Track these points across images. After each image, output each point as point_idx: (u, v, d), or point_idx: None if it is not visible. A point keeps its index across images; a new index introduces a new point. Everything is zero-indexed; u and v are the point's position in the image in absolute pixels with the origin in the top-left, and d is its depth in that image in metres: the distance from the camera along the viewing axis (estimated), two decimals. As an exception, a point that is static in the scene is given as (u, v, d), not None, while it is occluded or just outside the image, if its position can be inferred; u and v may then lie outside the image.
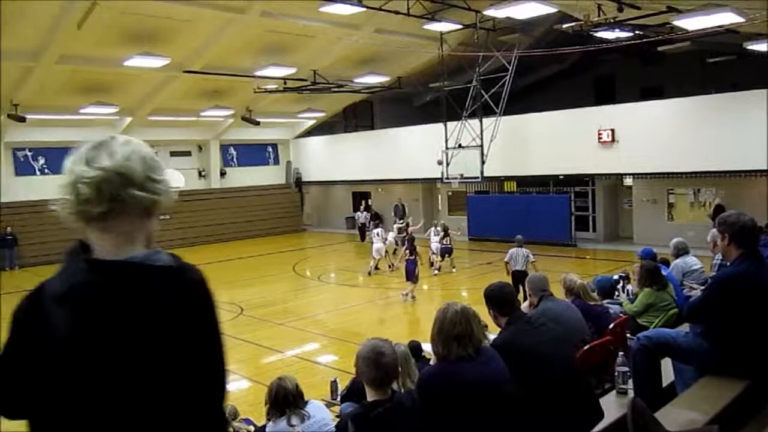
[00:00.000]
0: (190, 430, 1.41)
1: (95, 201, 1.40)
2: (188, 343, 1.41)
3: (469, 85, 21.66)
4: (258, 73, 20.72)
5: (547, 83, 26.67)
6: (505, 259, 13.10)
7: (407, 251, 14.91)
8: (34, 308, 1.41)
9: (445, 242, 17.88)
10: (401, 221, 18.10)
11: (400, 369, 3.85)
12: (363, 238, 23.89)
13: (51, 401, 1.37)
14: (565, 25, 16.45)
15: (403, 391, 3.96)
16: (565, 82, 26.60)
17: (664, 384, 4.18)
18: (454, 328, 3.11)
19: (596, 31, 16.18)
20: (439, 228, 18.41)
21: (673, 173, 18.60)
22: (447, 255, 18.15)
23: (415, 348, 6.20)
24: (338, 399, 6.01)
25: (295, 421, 4.28)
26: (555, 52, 19.29)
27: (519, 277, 11.34)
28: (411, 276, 14.59)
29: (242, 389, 9.14)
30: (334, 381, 6.49)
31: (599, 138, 19.47)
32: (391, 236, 20.09)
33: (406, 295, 14.60)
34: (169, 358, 1.38)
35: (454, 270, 18.10)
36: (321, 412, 4.52)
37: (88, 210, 1.41)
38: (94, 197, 1.40)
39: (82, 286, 1.38)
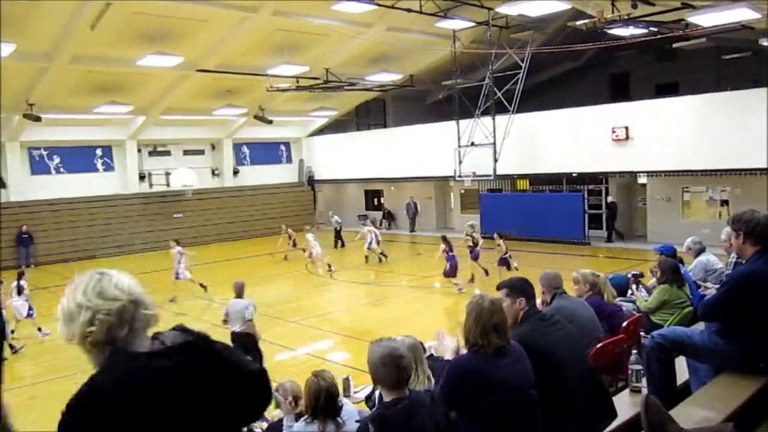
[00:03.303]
0: None
1: (119, 326, 1.71)
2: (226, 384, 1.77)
3: (481, 82, 21.60)
4: (270, 72, 20.78)
5: (561, 80, 26.55)
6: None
7: (446, 250, 15.52)
8: (103, 401, 1.63)
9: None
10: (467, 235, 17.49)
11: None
12: (337, 244, 23.77)
13: None
14: (578, 22, 16.37)
15: (417, 380, 3.95)
16: (578, 79, 26.47)
17: (679, 382, 4.14)
18: (491, 318, 3.11)
19: (610, 28, 16.08)
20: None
21: (687, 171, 18.45)
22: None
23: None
24: (351, 396, 6.00)
25: (330, 428, 3.99)
26: (568, 50, 19.18)
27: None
28: (453, 271, 15.41)
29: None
30: (347, 378, 6.48)
31: (613, 135, 19.34)
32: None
33: (461, 288, 15.16)
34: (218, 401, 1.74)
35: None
36: (353, 418, 4.24)
37: (113, 335, 1.70)
38: (118, 323, 1.70)
39: (164, 369, 1.67)
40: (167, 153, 27.30)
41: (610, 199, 21.70)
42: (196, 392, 1.68)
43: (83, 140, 24.78)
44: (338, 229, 23.98)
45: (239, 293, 9.42)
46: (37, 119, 20.92)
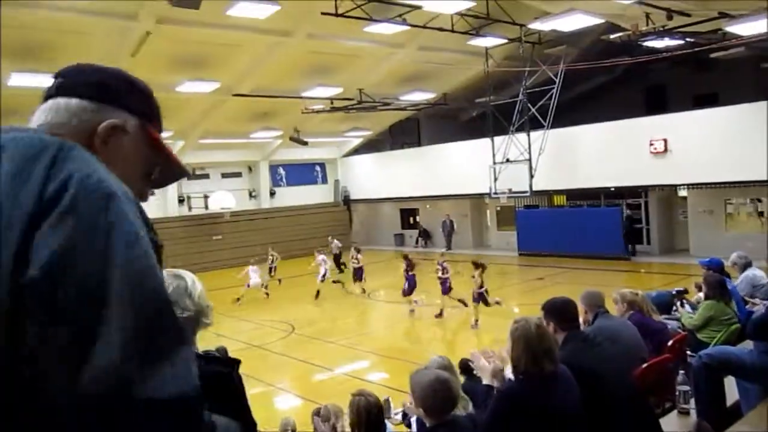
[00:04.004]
0: None
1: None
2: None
3: (515, 99, 21.52)
4: (305, 94, 21.03)
5: (596, 94, 26.29)
6: None
7: (406, 269, 15.76)
8: None
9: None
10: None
11: None
12: (339, 268, 22.75)
13: None
14: (612, 36, 16.23)
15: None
16: (614, 92, 26.17)
17: (729, 403, 4.03)
18: (541, 343, 3.04)
19: (645, 40, 15.90)
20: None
21: (729, 182, 18.04)
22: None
23: (465, 366, 6.13)
24: (392, 418, 5.97)
25: None
26: (603, 64, 19.01)
27: None
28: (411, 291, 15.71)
29: (295, 407, 9.20)
30: (387, 399, 6.45)
31: (651, 148, 19.05)
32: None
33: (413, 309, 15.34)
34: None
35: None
36: None
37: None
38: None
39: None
40: (206, 176, 27.78)
41: (626, 212, 21.45)
42: None
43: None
44: (338, 253, 23.31)
45: None
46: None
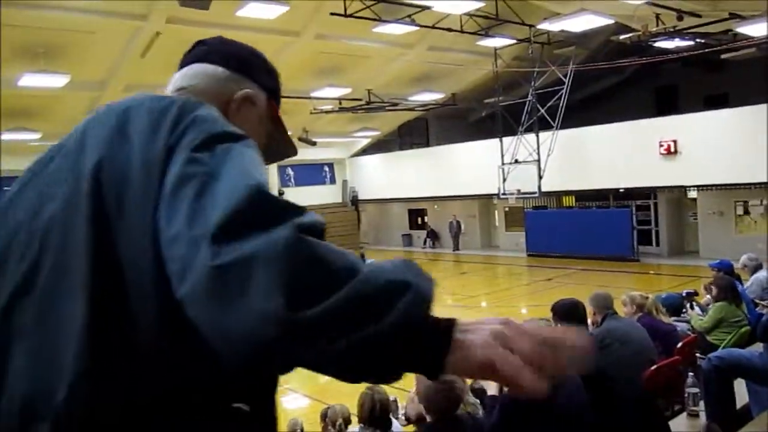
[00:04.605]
0: None
1: None
2: None
3: (524, 99, 21.48)
4: (314, 94, 21.06)
5: (606, 95, 26.20)
6: None
7: None
8: None
9: None
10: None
11: None
12: None
13: None
14: (622, 36, 16.17)
15: (464, 408, 3.95)
16: (624, 93, 26.09)
17: (738, 406, 4.01)
18: None
19: (655, 41, 15.84)
20: None
21: (739, 184, 17.94)
22: None
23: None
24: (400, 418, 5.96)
25: None
26: (613, 65, 18.95)
27: None
28: None
29: (302, 407, 9.22)
30: (394, 400, 6.46)
31: (661, 149, 18.97)
32: None
33: None
34: None
35: None
36: None
37: None
38: None
39: None
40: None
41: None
42: None
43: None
44: None
45: None
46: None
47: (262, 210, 0.81)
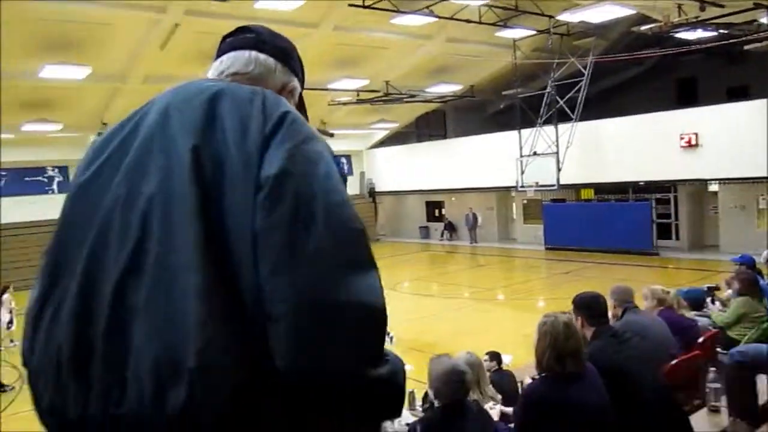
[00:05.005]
0: None
1: None
2: None
3: (543, 91, 21.33)
4: (331, 86, 21.06)
5: (625, 87, 25.96)
6: None
7: None
8: None
9: None
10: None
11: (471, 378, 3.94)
12: None
13: None
14: (643, 27, 15.98)
15: (481, 398, 3.98)
16: (644, 85, 25.82)
17: (761, 401, 3.96)
18: (567, 343, 2.99)
19: (677, 32, 15.64)
20: None
21: (762, 178, 17.67)
22: None
23: (494, 358, 6.12)
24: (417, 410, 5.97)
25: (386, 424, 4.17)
26: (634, 57, 18.73)
27: None
28: None
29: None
30: (411, 392, 6.46)
31: (681, 142, 18.75)
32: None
33: None
34: None
35: None
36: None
37: None
38: None
39: None
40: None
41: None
42: None
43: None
44: None
45: None
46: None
47: (359, 259, 1.01)
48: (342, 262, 0.98)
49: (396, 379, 1.06)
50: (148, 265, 1.00)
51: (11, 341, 13.63)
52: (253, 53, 1.33)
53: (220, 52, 1.36)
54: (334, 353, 0.95)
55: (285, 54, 1.39)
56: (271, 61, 1.34)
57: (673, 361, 4.54)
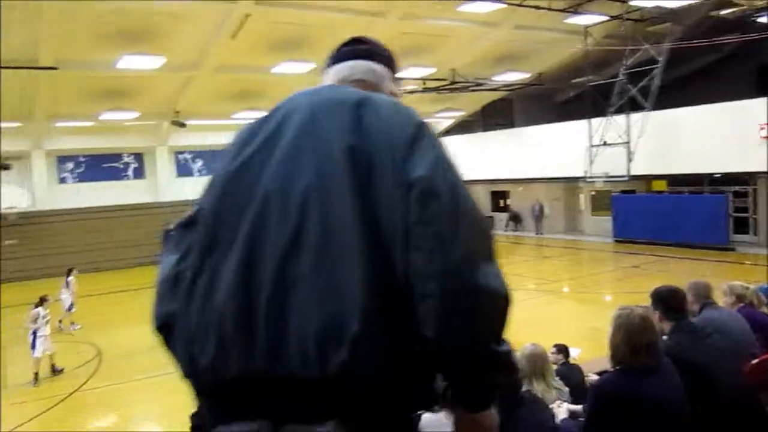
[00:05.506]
0: None
1: None
2: None
3: (615, 79, 20.72)
4: (398, 75, 21.03)
5: (702, 75, 24.91)
6: None
7: None
8: None
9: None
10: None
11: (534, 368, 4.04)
12: None
13: None
14: (723, 12, 15.31)
15: (543, 389, 3.97)
16: (722, 72, 24.71)
17: None
18: (643, 335, 2.92)
19: (759, 16, 14.91)
20: None
21: None
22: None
23: (561, 351, 6.04)
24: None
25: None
26: (711, 42, 17.96)
27: None
28: None
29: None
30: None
31: (762, 132, 17.88)
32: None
33: None
34: None
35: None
36: None
37: None
38: None
39: None
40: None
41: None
42: None
43: (223, 145, 26.28)
44: None
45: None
46: (183, 125, 22.52)
47: (490, 251, 1.20)
48: (480, 253, 1.17)
49: (511, 357, 1.26)
50: (309, 244, 1.16)
51: (72, 324, 14.10)
52: (371, 63, 1.52)
53: (337, 60, 1.54)
54: (471, 328, 1.13)
55: (391, 62, 1.57)
56: (384, 70, 1.54)
57: (755, 361, 4.37)
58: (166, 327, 1.31)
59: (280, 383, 1.14)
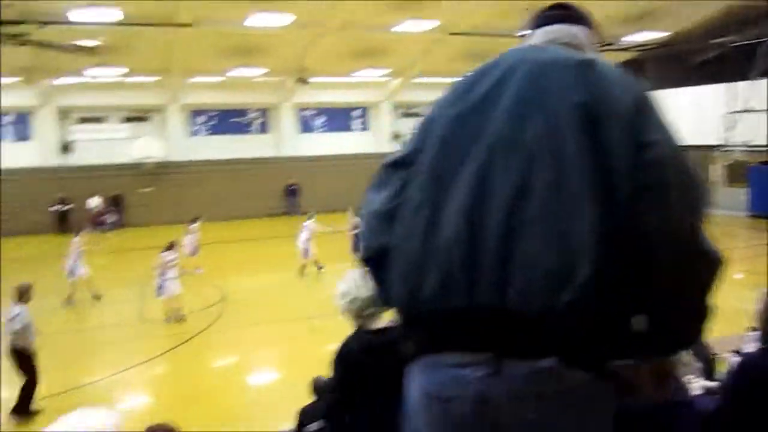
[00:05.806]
0: None
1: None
2: None
3: (761, 39, 19.03)
4: (519, 33, 20.39)
5: None
6: None
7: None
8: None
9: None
10: None
11: None
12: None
13: None
14: None
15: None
16: None
17: None
18: None
19: None
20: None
21: None
22: None
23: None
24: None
25: None
26: None
27: None
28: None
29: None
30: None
31: None
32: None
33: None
34: None
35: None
36: None
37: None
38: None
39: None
40: (417, 115, 28.34)
41: None
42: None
43: (343, 102, 26.76)
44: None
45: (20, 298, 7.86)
46: (305, 82, 23.11)
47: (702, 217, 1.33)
48: (700, 221, 1.30)
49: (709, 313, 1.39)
50: (539, 189, 1.24)
51: (196, 269, 14.90)
52: (575, 27, 1.61)
53: (541, 23, 1.65)
54: (698, 288, 1.32)
55: (588, 20, 1.66)
56: (587, 33, 1.63)
57: None
58: (377, 257, 1.40)
59: (503, 319, 1.21)
